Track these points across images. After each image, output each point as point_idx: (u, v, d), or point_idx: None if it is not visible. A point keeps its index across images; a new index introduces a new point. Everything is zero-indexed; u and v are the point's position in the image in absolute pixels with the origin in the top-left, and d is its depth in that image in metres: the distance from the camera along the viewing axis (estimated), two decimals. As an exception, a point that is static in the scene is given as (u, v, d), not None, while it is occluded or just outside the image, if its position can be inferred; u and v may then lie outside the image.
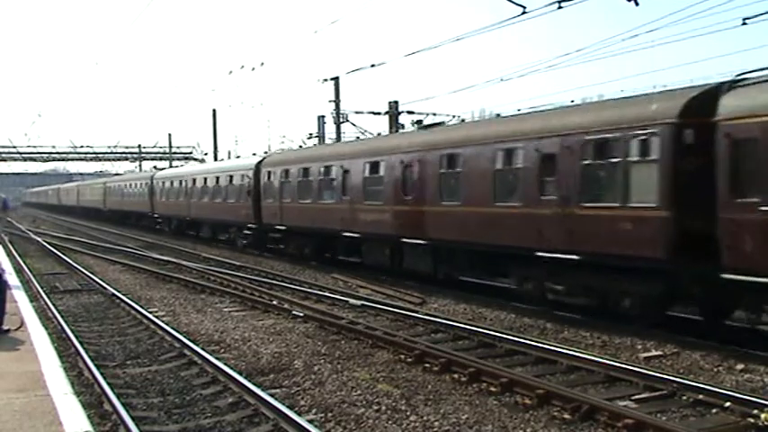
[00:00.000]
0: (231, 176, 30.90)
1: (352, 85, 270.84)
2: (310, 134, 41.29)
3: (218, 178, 32.63)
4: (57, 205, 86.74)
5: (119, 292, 17.99)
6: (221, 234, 33.23)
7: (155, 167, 69.83)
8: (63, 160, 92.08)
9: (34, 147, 78.56)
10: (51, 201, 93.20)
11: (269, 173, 27.03)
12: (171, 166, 65.92)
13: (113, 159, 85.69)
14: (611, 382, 9.56)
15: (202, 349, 11.29)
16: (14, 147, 78.33)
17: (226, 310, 16.01)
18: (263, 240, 27.76)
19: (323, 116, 40.25)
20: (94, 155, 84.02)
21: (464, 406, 8.63)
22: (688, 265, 11.42)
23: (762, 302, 10.96)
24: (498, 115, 17.86)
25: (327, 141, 38.94)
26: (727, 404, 8.24)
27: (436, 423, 7.98)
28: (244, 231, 29.26)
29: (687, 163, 11.33)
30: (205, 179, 34.47)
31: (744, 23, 14.86)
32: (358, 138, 34.10)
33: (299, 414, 8.09)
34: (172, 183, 40.35)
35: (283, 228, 25.50)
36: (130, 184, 50.99)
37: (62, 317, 14.25)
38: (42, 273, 22.91)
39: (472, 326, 12.87)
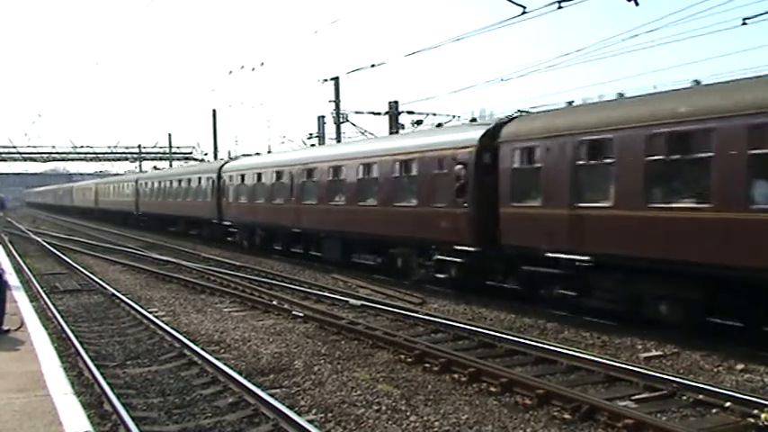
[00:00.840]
0: (407, 162, 18.68)
1: (352, 85, 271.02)
2: (310, 134, 41.33)
3: (367, 167, 20.51)
4: (68, 207, 76.22)
5: (119, 292, 17.99)
6: (366, 256, 21.15)
7: (155, 167, 69.79)
8: (63, 160, 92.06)
9: (34, 147, 78.58)
10: (62, 201, 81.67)
11: (530, 151, 14.67)
12: (171, 166, 65.65)
13: (113, 159, 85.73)
14: (611, 382, 9.56)
15: (202, 349, 11.29)
16: (14, 147, 78.33)
17: (226, 310, 16.01)
18: (492, 273, 16.60)
19: (323, 116, 40.28)
20: (94, 155, 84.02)
21: (464, 406, 8.62)
22: None
23: None
24: None
25: (328, 141, 38.96)
26: (728, 404, 8.24)
27: (436, 423, 7.98)
28: (437, 256, 17.49)
29: None
30: (335, 169, 22.29)
31: (744, 23, 14.90)
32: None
33: (299, 414, 8.09)
34: (259, 177, 28.35)
35: (586, 259, 13.13)
36: (180, 181, 38.56)
37: (62, 317, 14.25)
38: (42, 273, 22.90)
39: (472, 326, 12.87)
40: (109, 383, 9.18)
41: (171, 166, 67.35)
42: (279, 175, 26.34)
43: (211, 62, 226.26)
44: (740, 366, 10.14)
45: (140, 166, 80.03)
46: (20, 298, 14.96)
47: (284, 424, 7.74)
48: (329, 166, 22.65)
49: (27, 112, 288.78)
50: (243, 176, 29.99)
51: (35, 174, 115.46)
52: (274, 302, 16.39)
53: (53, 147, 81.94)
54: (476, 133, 16.73)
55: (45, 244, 33.43)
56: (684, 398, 8.68)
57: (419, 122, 32.50)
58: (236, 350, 11.84)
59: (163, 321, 13.85)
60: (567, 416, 8.14)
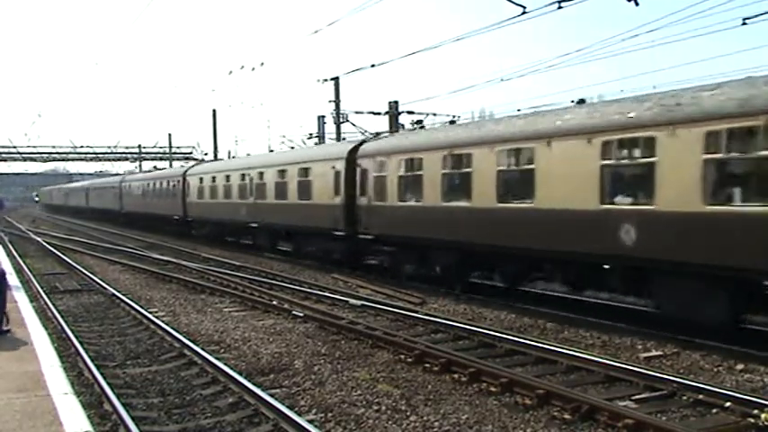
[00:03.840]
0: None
1: (352, 85, 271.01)
2: (310, 134, 41.34)
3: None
4: (170, 218, 40.32)
5: (119, 292, 17.99)
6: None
7: (154, 167, 69.48)
8: (63, 160, 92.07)
9: (34, 147, 78.58)
10: (134, 206, 48.88)
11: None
12: (171, 166, 65.43)
13: (113, 159, 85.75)
14: (611, 382, 9.56)
15: (202, 349, 11.29)
16: (14, 147, 78.37)
17: (226, 310, 16.01)
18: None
19: (323, 116, 40.29)
20: (94, 155, 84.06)
21: (464, 406, 8.62)
22: None
23: None
24: None
25: (328, 141, 38.98)
26: (728, 404, 8.24)
27: (436, 423, 7.98)
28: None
29: None
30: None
31: (744, 23, 14.91)
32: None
33: (299, 414, 8.09)
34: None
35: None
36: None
37: (62, 317, 14.25)
38: (42, 273, 22.91)
39: (472, 326, 12.86)
40: (109, 383, 9.18)
41: (171, 165, 67.23)
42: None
43: (211, 62, 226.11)
44: (740, 366, 10.14)
45: (140, 166, 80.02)
46: (20, 298, 14.95)
47: (284, 424, 7.74)
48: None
49: (27, 112, 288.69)
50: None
51: (35, 174, 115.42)
52: (274, 302, 16.39)
53: (53, 147, 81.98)
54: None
55: (45, 244, 33.44)
56: (684, 398, 8.68)
57: (419, 122, 32.58)
58: (236, 350, 11.84)
59: (163, 321, 13.85)
60: (567, 416, 8.14)
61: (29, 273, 22.01)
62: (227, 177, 31.62)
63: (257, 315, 15.28)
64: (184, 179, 37.96)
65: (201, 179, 35.37)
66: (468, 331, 12.50)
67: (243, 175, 29.67)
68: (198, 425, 8.07)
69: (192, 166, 41.79)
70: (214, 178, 33.49)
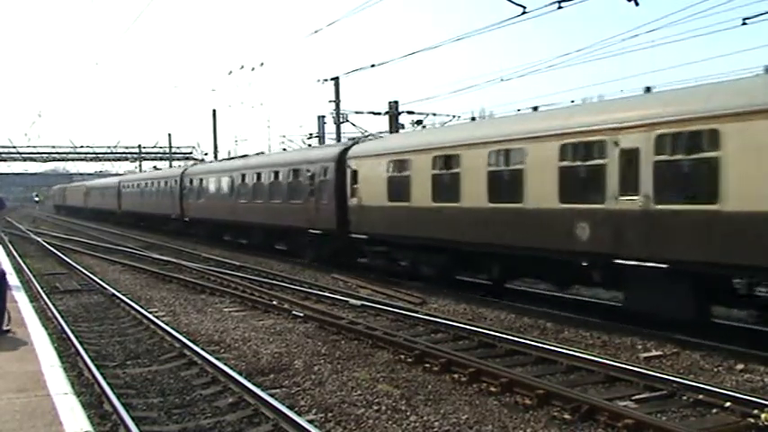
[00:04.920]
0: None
1: (352, 85, 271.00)
2: (310, 134, 41.35)
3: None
4: (247, 224, 29.94)
5: (119, 292, 17.99)
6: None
7: (154, 167, 69.38)
8: (63, 160, 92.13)
9: (34, 147, 78.67)
10: (206, 210, 34.79)
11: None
12: (171, 166, 65.27)
13: (113, 159, 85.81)
14: (611, 382, 9.56)
15: (202, 349, 11.29)
16: (14, 147, 78.43)
17: (226, 310, 16.01)
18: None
19: (323, 116, 40.30)
20: (94, 155, 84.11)
21: (464, 406, 8.63)
22: None
23: None
24: None
25: (328, 141, 39.00)
26: (728, 404, 8.24)
27: (436, 423, 7.98)
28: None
29: None
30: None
31: (744, 23, 14.91)
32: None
33: (299, 414, 8.09)
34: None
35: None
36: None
37: (62, 317, 14.26)
38: (42, 273, 22.91)
39: (472, 326, 12.87)
40: (109, 383, 9.19)
41: (171, 165, 67.13)
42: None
43: (211, 62, 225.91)
44: (740, 366, 10.14)
45: (140, 166, 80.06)
46: (20, 298, 14.93)
47: (284, 424, 7.74)
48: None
49: (27, 112, 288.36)
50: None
51: (35, 174, 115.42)
52: (274, 302, 16.38)
53: (53, 147, 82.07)
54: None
55: (45, 244, 33.44)
56: (684, 398, 8.68)
57: (419, 122, 32.52)
58: (236, 350, 11.84)
59: (163, 321, 13.86)
60: (567, 416, 8.14)
61: (29, 273, 22.01)
62: (455, 160, 16.65)
63: (257, 315, 15.28)
64: (340, 165, 22.40)
65: (394, 164, 19.25)
66: (468, 331, 12.51)
67: (508, 151, 14.97)
68: (198, 425, 8.08)
69: (353, 144, 23.93)
70: (447, 160, 16.96)
